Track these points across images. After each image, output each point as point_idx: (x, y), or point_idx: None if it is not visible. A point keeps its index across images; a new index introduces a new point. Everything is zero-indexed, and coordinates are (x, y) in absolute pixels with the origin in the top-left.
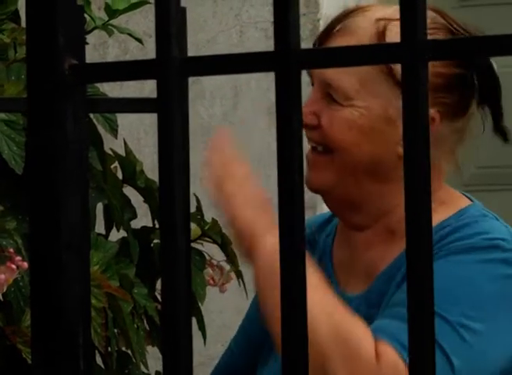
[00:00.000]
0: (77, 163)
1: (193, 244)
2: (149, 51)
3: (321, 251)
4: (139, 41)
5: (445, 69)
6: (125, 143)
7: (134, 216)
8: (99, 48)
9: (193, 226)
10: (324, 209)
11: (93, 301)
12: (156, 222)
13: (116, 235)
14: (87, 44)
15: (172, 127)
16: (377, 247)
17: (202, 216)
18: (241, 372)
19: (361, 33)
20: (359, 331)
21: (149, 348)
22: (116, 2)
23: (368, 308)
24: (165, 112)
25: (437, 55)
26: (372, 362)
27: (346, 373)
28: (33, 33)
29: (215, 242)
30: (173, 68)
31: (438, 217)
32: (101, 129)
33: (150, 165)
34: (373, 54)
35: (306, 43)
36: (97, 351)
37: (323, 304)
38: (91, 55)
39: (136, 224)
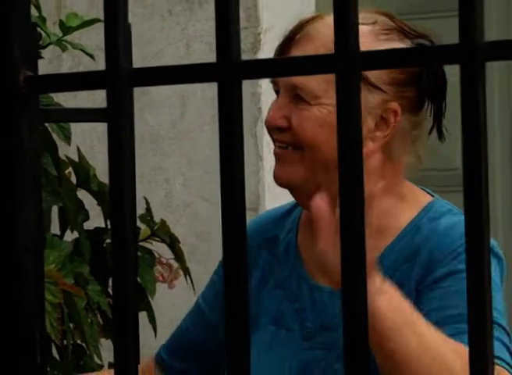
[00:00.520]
0: (33, 169)
1: (143, 244)
2: (101, 64)
3: (284, 247)
4: (90, 56)
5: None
6: (78, 149)
7: (87, 217)
8: (54, 62)
9: (143, 226)
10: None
11: (49, 297)
12: (108, 223)
13: (71, 236)
14: (43, 58)
15: (121, 134)
16: None
17: (151, 217)
18: (194, 346)
19: (321, 38)
20: None
21: (102, 341)
22: (70, 20)
23: None
24: (114, 119)
25: (369, 65)
26: None
27: None
28: None
29: (163, 241)
30: (122, 78)
31: (406, 215)
32: (55, 137)
33: (102, 169)
34: (309, 65)
35: (248, 55)
36: (53, 344)
37: (443, 339)
38: (46, 68)
39: (89, 225)
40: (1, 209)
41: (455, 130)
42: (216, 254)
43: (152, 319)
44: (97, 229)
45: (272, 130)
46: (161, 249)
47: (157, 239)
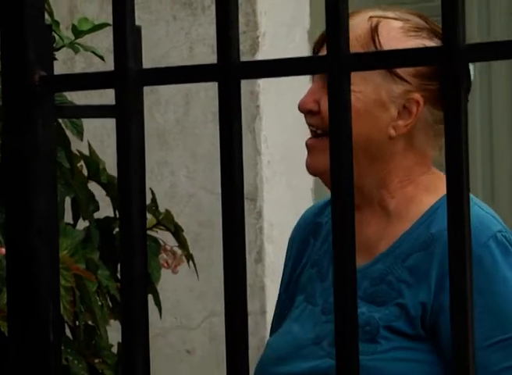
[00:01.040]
0: (47, 162)
1: (149, 232)
2: (111, 65)
3: (327, 231)
4: (101, 58)
5: None
6: (89, 144)
7: (97, 208)
8: (67, 63)
9: (148, 216)
10: (264, 200)
11: (62, 281)
12: (117, 212)
13: (82, 224)
14: (56, 59)
15: (128, 130)
16: (374, 226)
17: (157, 207)
18: None
19: (356, 30)
20: None
21: (112, 322)
22: (81, 24)
23: (371, 286)
24: (122, 117)
25: (358, 66)
26: None
27: None
28: (7, 49)
29: (168, 230)
30: (129, 78)
31: (425, 203)
32: (69, 133)
33: (111, 163)
34: (302, 65)
35: (246, 56)
36: (66, 325)
37: None
38: (60, 69)
39: (99, 215)
40: (18, 197)
41: None
42: (218, 241)
43: (157, 302)
44: (106, 218)
45: (305, 113)
46: (165, 237)
47: (162, 228)
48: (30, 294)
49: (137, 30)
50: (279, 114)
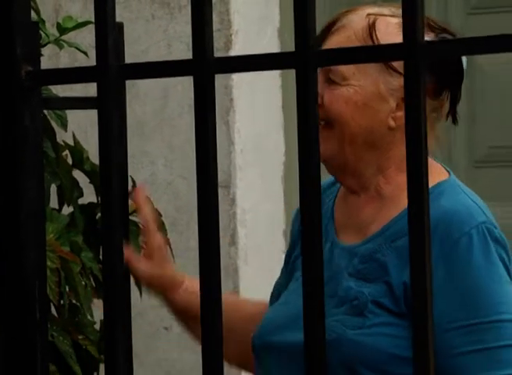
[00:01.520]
0: (35, 152)
1: (130, 217)
2: (94, 61)
3: (326, 209)
4: (84, 53)
5: None
6: (74, 135)
7: (81, 194)
8: (52, 58)
9: (130, 202)
10: (237, 187)
11: (48, 263)
12: (99, 198)
13: (67, 210)
14: (42, 55)
15: (109, 121)
16: (368, 209)
17: None
18: None
19: (354, 26)
20: None
21: (95, 301)
22: (66, 22)
23: (360, 263)
24: (103, 109)
25: (324, 62)
26: None
27: None
28: None
29: None
30: (110, 73)
31: None
32: (54, 124)
33: (95, 152)
34: (272, 61)
35: (221, 53)
36: (52, 304)
37: None
38: (46, 64)
39: (83, 201)
40: (8, 187)
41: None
42: (193, 225)
43: (137, 282)
44: (90, 204)
45: None
46: None
47: None
48: (18, 275)
49: (120, 26)
50: (252, 107)
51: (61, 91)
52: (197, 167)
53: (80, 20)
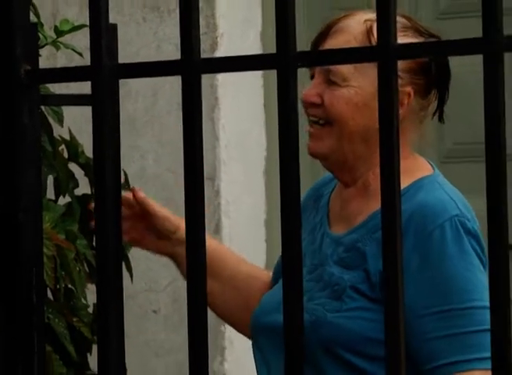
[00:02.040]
0: (33, 146)
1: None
2: (89, 61)
3: (323, 202)
4: (80, 54)
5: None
6: (69, 130)
7: (77, 185)
8: (50, 59)
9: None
10: (221, 180)
11: (45, 250)
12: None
13: (63, 200)
14: (40, 56)
15: (102, 117)
16: (356, 201)
17: (129, 186)
18: None
19: (352, 30)
20: None
21: (89, 286)
22: (63, 25)
23: (343, 252)
24: (97, 106)
25: (304, 64)
26: None
27: None
28: None
29: None
30: (103, 72)
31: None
32: (51, 120)
33: (89, 147)
34: (255, 62)
35: (207, 54)
36: (48, 289)
37: None
38: (44, 64)
39: (78, 192)
40: (7, 179)
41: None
42: (181, 215)
43: (129, 268)
44: (84, 195)
45: (307, 105)
46: None
47: None
48: (17, 261)
49: (114, 28)
50: (236, 105)
51: (57, 89)
52: (184, 161)
53: (76, 24)
